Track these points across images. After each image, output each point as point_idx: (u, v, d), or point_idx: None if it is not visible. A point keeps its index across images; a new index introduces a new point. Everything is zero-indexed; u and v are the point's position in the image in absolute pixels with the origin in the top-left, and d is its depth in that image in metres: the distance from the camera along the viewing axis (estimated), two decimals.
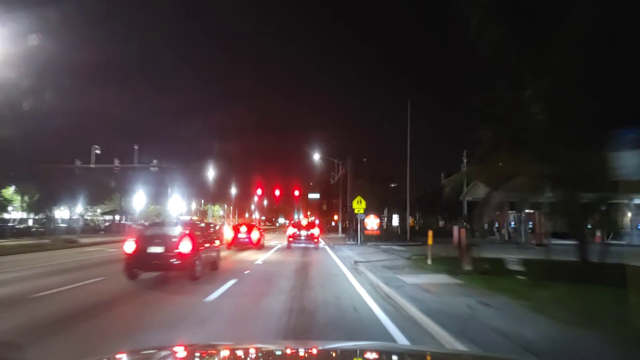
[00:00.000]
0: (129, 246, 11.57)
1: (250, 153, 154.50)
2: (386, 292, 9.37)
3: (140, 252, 11.39)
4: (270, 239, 34.71)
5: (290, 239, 23.40)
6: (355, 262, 15.84)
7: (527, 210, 29.23)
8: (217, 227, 25.80)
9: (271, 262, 16.79)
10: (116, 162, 35.41)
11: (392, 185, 52.66)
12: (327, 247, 26.03)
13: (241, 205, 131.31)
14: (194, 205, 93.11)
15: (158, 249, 11.60)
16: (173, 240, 11.65)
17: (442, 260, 14.46)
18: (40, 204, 55.08)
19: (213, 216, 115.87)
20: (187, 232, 12.31)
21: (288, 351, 2.69)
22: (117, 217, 68.64)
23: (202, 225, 16.03)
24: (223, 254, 19.99)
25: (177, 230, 12.66)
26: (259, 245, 21.88)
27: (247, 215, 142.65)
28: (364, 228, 29.25)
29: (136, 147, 35.29)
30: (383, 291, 9.65)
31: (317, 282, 11.15)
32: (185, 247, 11.55)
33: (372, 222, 29.69)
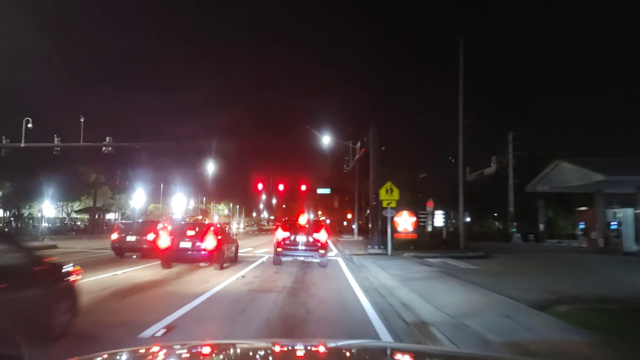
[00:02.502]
0: None
1: (259, 149, 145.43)
2: None
3: None
4: (261, 245, 25.12)
5: (279, 250, 13.78)
6: (423, 322, 6.16)
7: None
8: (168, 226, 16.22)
9: (204, 318, 7.08)
10: (56, 141, 26.12)
11: (421, 176, 42.97)
12: (340, 261, 16.40)
13: (249, 204, 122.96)
14: (192, 204, 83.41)
15: None
16: None
17: None
18: (7, 199, 46.65)
19: (219, 215, 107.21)
20: None
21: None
22: (113, 216, 60.29)
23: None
24: (145, 276, 10.56)
25: None
26: (218, 260, 11.94)
27: (254, 214, 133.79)
28: (394, 229, 19.51)
29: (82, 119, 25.97)
30: None
31: None
32: None
33: (405, 222, 19.86)
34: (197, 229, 12.42)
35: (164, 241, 11.72)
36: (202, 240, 11.76)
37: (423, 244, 20.06)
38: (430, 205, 19.90)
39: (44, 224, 53.84)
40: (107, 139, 26.38)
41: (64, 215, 60.60)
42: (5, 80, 39.52)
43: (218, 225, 14.23)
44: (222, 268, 12.15)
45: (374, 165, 21.16)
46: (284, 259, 14.06)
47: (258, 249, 21.75)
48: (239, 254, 16.95)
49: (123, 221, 49.31)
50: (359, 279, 11.37)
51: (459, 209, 20.81)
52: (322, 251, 13.71)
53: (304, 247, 13.86)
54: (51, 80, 70.90)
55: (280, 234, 13.98)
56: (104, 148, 26.47)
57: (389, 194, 19.16)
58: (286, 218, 17.91)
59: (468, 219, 34.32)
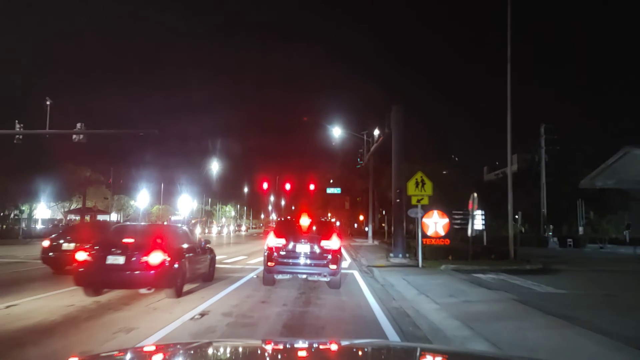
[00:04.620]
0: None
1: (266, 149, 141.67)
2: None
3: None
4: (258, 252, 20.79)
5: (271, 264, 9.53)
6: None
7: None
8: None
9: None
10: (17, 127, 22.16)
11: (444, 172, 38.55)
12: (357, 276, 12.11)
13: (257, 205, 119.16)
14: (196, 204, 79.23)
15: None
16: None
17: None
18: None
19: (226, 217, 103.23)
20: None
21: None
22: (115, 217, 56.70)
23: None
24: (40, 314, 6.13)
25: None
26: (172, 283, 7.17)
27: (262, 216, 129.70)
28: (422, 233, 15.12)
29: (48, 102, 22.02)
30: None
31: None
32: None
33: (436, 224, 15.48)
34: (138, 235, 8.07)
35: (80, 254, 7.43)
36: (145, 252, 7.44)
37: (461, 252, 15.72)
38: (474, 207, 15.53)
39: (41, 226, 50.40)
40: (78, 125, 22.36)
41: (62, 216, 57.15)
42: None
43: (184, 227, 9.92)
44: (180, 294, 7.87)
45: (397, 151, 16.81)
46: (279, 276, 9.79)
47: (253, 258, 17.53)
48: (225, 265, 12.83)
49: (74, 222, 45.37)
50: (392, 313, 7.13)
51: (508, 209, 16.36)
52: (333, 266, 9.40)
53: (307, 261, 9.57)
54: (53, 79, 67.83)
55: (273, 241, 9.68)
56: (74, 136, 22.45)
57: (419, 188, 14.87)
58: (283, 218, 13.62)
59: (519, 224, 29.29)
